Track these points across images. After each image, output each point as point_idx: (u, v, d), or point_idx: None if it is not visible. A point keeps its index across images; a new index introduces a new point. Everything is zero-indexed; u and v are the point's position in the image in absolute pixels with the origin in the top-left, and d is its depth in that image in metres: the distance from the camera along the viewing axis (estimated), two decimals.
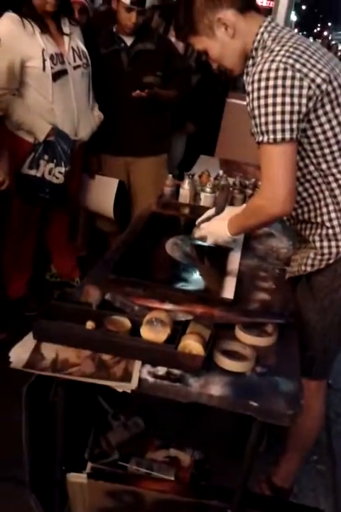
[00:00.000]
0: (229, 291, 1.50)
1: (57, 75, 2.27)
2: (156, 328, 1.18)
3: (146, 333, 1.19)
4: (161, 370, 1.16)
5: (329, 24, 41.19)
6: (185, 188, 2.17)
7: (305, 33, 34.41)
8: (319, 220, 1.45)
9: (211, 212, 1.70)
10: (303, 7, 35.19)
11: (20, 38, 2.17)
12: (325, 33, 38.73)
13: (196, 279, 1.61)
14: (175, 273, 1.62)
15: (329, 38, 34.32)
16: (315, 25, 42.18)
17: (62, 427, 1.30)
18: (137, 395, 1.15)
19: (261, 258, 1.81)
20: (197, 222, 1.73)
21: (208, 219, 1.68)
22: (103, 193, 2.79)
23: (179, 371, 1.16)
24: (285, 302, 1.53)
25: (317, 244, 1.46)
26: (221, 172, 2.38)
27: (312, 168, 1.40)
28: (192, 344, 1.16)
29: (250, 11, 1.40)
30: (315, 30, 42.01)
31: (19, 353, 1.19)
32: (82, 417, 1.56)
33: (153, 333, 1.18)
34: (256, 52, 1.39)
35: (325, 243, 1.44)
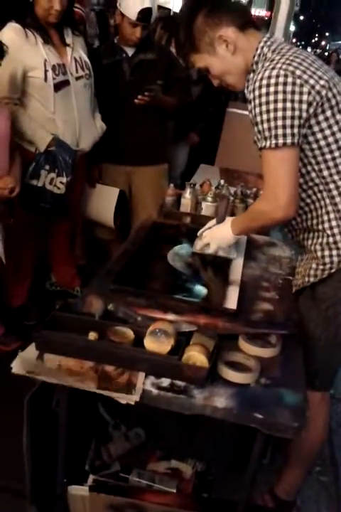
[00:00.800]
0: (232, 302, 1.49)
1: (59, 86, 2.28)
2: (160, 339, 1.17)
3: (150, 344, 1.18)
4: (165, 382, 1.16)
5: (327, 34, 41.54)
6: (187, 198, 2.17)
7: (303, 43, 34.70)
8: (320, 227, 1.45)
9: (212, 222, 1.70)
10: (301, 17, 35.51)
11: (22, 48, 2.18)
12: (323, 43, 39.04)
13: (198, 290, 1.59)
14: (177, 283, 1.61)
15: (327, 47, 34.60)
16: (312, 35, 42.54)
17: (64, 438, 1.29)
18: (138, 406, 1.14)
19: (264, 268, 1.80)
20: (198, 233, 1.73)
21: (209, 229, 1.68)
22: (103, 202, 2.79)
23: (183, 383, 1.15)
24: (288, 312, 1.53)
25: (319, 253, 1.46)
26: (222, 181, 2.38)
27: (313, 174, 1.41)
28: (196, 355, 1.15)
29: (249, 28, 1.44)
30: (313, 40, 42.35)
31: (21, 361, 1.17)
32: (82, 427, 1.55)
33: (156, 344, 1.17)
34: (257, 66, 1.41)
35: (326, 252, 1.44)
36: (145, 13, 2.46)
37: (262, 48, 1.41)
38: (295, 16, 25.68)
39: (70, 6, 2.32)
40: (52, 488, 1.40)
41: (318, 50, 31.75)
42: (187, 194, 2.17)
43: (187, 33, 1.44)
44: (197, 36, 1.42)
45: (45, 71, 2.21)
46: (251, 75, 1.43)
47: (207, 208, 2.15)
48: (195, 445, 1.75)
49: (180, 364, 1.15)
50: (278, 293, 1.64)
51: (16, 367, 1.14)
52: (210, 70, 1.47)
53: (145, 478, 1.61)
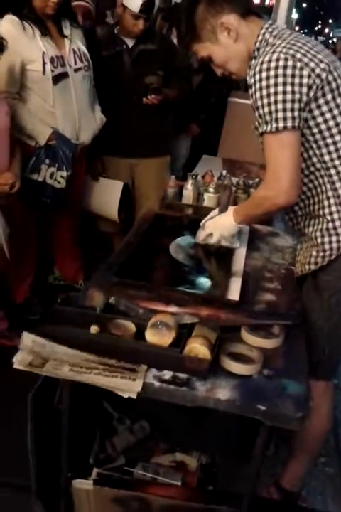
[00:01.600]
0: (234, 293, 1.48)
1: (57, 78, 2.26)
2: (161, 331, 1.16)
3: (151, 336, 1.17)
4: (167, 375, 1.15)
5: (330, 21, 41.13)
6: (189, 189, 2.15)
7: (306, 30, 34.40)
8: (320, 213, 1.45)
9: (215, 212, 1.69)
10: (304, 5, 35.19)
11: (20, 41, 2.17)
12: (326, 30, 38.70)
13: (200, 281, 1.58)
14: (179, 275, 1.60)
15: (331, 34, 34.30)
16: (316, 22, 42.16)
17: (67, 433, 1.29)
18: (142, 399, 1.13)
19: (266, 258, 1.79)
20: (201, 224, 1.72)
21: (212, 219, 1.67)
22: (107, 196, 2.78)
23: (185, 375, 1.14)
24: (291, 302, 1.51)
25: (319, 240, 1.45)
26: (224, 172, 2.36)
27: (315, 159, 1.40)
28: (198, 347, 1.14)
29: (251, 15, 1.44)
30: (316, 28, 41.97)
31: (23, 355, 1.17)
32: (86, 421, 1.54)
33: (157, 337, 1.16)
34: (259, 52, 1.41)
35: (326, 238, 1.44)
36: (147, 5, 2.45)
37: (264, 34, 1.41)
38: (298, 3, 25.48)
39: None
40: (57, 483, 1.40)
41: (322, 38, 31.53)
42: (189, 185, 2.16)
43: (189, 22, 1.44)
44: (199, 25, 1.42)
45: (44, 63, 2.19)
46: (253, 61, 1.42)
47: (209, 199, 2.14)
48: (199, 437, 1.74)
49: (182, 356, 1.14)
50: (280, 283, 1.63)
51: (18, 362, 1.14)
52: (213, 58, 1.47)
53: (150, 471, 1.61)
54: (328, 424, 1.68)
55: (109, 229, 3.00)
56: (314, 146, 1.39)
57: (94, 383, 1.11)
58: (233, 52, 1.44)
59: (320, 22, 42.35)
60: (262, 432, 1.16)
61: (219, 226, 1.63)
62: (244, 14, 1.42)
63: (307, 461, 1.72)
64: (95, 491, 1.38)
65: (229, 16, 1.41)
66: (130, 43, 2.61)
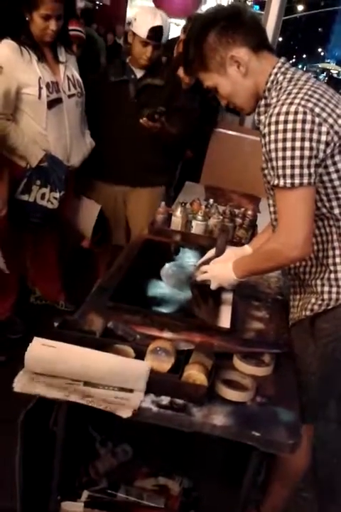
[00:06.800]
0: (225, 320, 1.53)
1: (52, 103, 2.29)
2: (161, 357, 1.19)
3: (151, 362, 1.20)
4: (165, 400, 1.18)
5: (304, 56, 42.60)
6: (178, 216, 2.20)
7: None
8: (324, 262, 1.42)
9: (211, 253, 1.68)
10: (280, 39, 36.27)
11: (17, 65, 2.19)
12: (299, 66, 39.97)
13: (192, 308, 1.63)
14: (171, 300, 1.64)
15: (304, 69, 35.41)
16: (290, 56, 43.54)
17: (61, 455, 1.30)
18: (124, 422, 1.14)
19: (253, 287, 1.84)
20: (197, 264, 1.71)
21: (208, 261, 1.65)
22: (85, 215, 2.75)
23: (182, 401, 1.18)
24: (279, 331, 1.57)
25: (319, 288, 1.43)
26: (211, 201, 2.43)
27: (324, 210, 1.38)
28: (195, 374, 1.17)
29: (263, 50, 1.37)
30: (291, 61, 43.26)
31: (22, 379, 1.18)
32: (72, 444, 1.54)
33: (157, 362, 1.19)
34: (269, 93, 1.36)
35: (326, 288, 1.42)
36: (155, 32, 2.42)
37: (276, 74, 1.35)
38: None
39: (64, 24, 2.34)
40: (43, 506, 1.40)
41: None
42: (178, 212, 2.21)
43: (198, 50, 1.37)
44: (208, 54, 1.36)
45: (40, 89, 2.22)
46: (263, 101, 1.39)
47: (197, 226, 2.20)
48: (182, 462, 1.76)
49: (181, 382, 1.17)
50: (268, 312, 1.69)
51: (18, 385, 1.15)
52: (218, 90, 1.42)
53: (133, 494, 1.61)
54: (307, 460, 1.66)
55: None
56: (324, 198, 1.35)
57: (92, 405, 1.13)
58: (240, 87, 1.38)
59: (294, 56, 43.72)
60: (254, 458, 1.20)
61: (219, 278, 1.57)
62: (255, 48, 1.35)
63: (287, 494, 1.73)
64: None
65: (241, 50, 1.34)
66: (139, 73, 2.60)
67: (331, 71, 31.99)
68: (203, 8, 6.04)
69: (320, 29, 40.53)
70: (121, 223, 2.87)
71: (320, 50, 46.77)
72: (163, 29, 2.45)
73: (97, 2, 8.35)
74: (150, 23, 2.42)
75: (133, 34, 2.49)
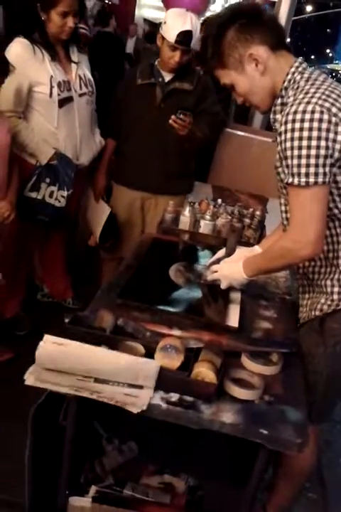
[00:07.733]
0: (233, 319, 1.54)
1: (63, 102, 2.30)
2: (170, 354, 1.21)
3: (161, 359, 1.21)
4: (174, 397, 1.19)
5: (312, 57, 42.41)
6: (186, 216, 2.21)
7: None
8: (335, 262, 1.43)
9: (221, 253, 1.68)
10: (288, 40, 36.16)
11: (29, 64, 2.21)
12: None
13: (201, 306, 1.63)
14: (179, 299, 1.65)
15: None
16: (298, 57, 43.35)
17: (70, 450, 1.31)
18: (131, 419, 1.16)
19: (261, 287, 1.85)
20: (207, 264, 1.71)
21: (218, 261, 1.65)
22: (96, 216, 2.77)
23: (191, 398, 1.19)
24: (287, 331, 1.58)
25: (329, 288, 1.44)
26: (219, 201, 2.44)
27: (336, 211, 1.38)
28: (204, 372, 1.19)
29: (281, 50, 1.38)
30: None
31: (34, 374, 1.19)
32: (78, 440, 1.56)
33: (167, 360, 1.21)
34: (286, 92, 1.37)
35: (336, 288, 1.43)
36: (184, 36, 2.34)
37: (293, 73, 1.36)
38: None
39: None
40: (50, 501, 1.41)
41: None
42: (187, 212, 2.22)
43: (216, 47, 1.37)
44: (227, 52, 1.36)
45: (51, 87, 2.24)
46: (279, 100, 1.39)
47: (205, 226, 2.20)
48: (187, 460, 1.77)
49: (190, 380, 1.19)
50: (276, 312, 1.70)
51: (30, 379, 1.16)
52: (235, 87, 1.42)
53: (139, 492, 1.62)
54: (313, 460, 1.67)
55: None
56: (337, 199, 1.35)
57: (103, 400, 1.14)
58: (258, 85, 1.38)
59: (302, 57, 43.58)
60: (261, 455, 1.21)
61: (229, 277, 1.57)
62: (274, 47, 1.35)
63: (292, 494, 1.74)
64: (93, 508, 1.40)
65: (259, 48, 1.34)
66: (167, 77, 2.53)
67: (340, 72, 31.84)
68: (212, 8, 6.01)
69: (328, 30, 40.32)
70: (137, 229, 2.78)
71: (328, 51, 46.56)
72: (193, 34, 2.36)
73: (106, 1, 8.35)
74: (179, 27, 2.34)
75: (162, 37, 2.42)
